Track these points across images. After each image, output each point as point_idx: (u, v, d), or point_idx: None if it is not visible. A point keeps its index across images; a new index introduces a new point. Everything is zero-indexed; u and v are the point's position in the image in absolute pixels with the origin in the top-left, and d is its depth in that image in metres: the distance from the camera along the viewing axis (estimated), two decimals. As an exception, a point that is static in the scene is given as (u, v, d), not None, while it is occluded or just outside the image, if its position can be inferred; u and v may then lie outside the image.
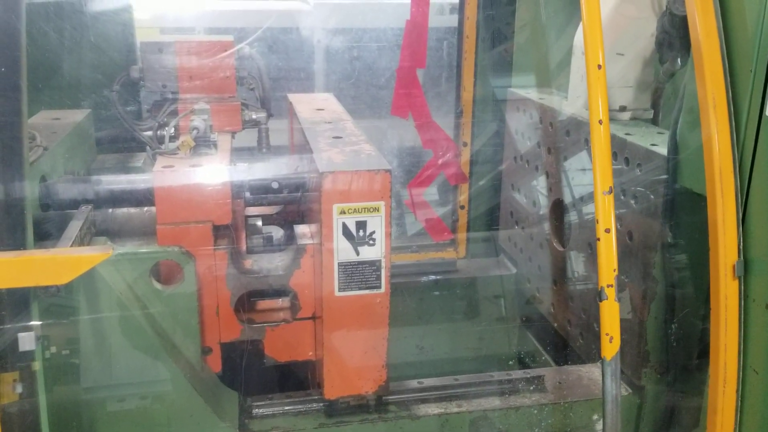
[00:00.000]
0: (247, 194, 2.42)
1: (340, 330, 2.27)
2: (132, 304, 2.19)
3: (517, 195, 3.47)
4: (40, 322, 1.92)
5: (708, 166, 2.09)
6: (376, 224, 2.18)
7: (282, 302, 2.44)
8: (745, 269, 2.08)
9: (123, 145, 3.04)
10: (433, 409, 2.46)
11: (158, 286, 2.24)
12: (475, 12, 3.66)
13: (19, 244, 1.82)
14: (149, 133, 2.80)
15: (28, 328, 1.86)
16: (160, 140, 2.65)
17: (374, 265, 2.22)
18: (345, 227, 2.16)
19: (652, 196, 2.42)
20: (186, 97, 2.92)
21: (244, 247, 2.47)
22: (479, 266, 3.85)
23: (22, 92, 1.81)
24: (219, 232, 2.30)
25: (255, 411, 2.40)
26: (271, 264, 2.40)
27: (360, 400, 2.39)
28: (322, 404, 2.41)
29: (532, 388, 2.57)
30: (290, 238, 2.50)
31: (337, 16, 5.17)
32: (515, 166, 3.46)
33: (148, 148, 3.28)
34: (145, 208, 2.44)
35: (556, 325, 3.14)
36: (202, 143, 2.41)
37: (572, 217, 2.90)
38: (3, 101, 1.78)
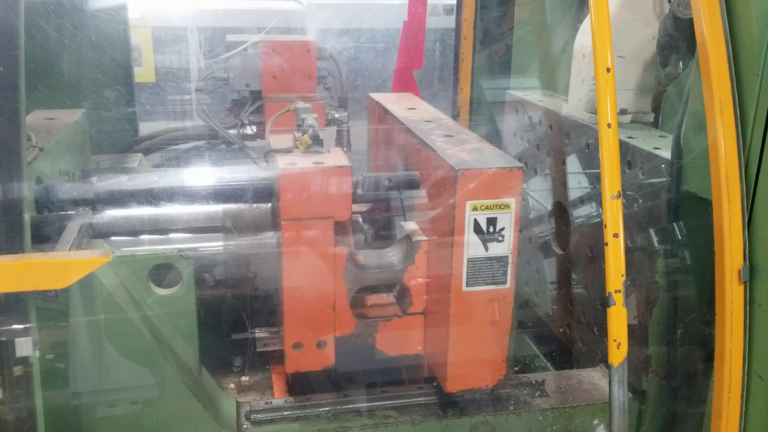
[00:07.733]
0: (359, 191, 2.43)
1: (466, 324, 2.29)
2: (129, 308, 2.15)
3: (514, 197, 3.45)
4: (37, 326, 1.88)
5: (714, 171, 2.07)
6: (506, 221, 2.20)
7: (393, 297, 2.48)
8: (750, 274, 2.07)
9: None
10: (433, 413, 2.43)
11: (156, 289, 2.20)
12: (472, 13, 3.64)
13: (18, 247, 1.77)
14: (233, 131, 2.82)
15: (25, 333, 1.82)
16: (246, 138, 2.63)
17: (501, 260, 2.25)
18: (476, 223, 2.18)
19: (654, 200, 2.40)
20: (270, 96, 2.91)
21: (353, 243, 2.46)
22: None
23: (20, 92, 1.77)
24: (336, 228, 2.31)
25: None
26: (382, 260, 2.41)
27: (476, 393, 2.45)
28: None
29: (533, 393, 2.55)
30: (394, 234, 2.53)
31: (332, 16, 5.14)
32: (513, 169, 3.44)
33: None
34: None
35: (555, 328, 3.12)
36: (314, 141, 2.40)
37: (573, 220, 2.88)
38: (1, 101, 1.74)
